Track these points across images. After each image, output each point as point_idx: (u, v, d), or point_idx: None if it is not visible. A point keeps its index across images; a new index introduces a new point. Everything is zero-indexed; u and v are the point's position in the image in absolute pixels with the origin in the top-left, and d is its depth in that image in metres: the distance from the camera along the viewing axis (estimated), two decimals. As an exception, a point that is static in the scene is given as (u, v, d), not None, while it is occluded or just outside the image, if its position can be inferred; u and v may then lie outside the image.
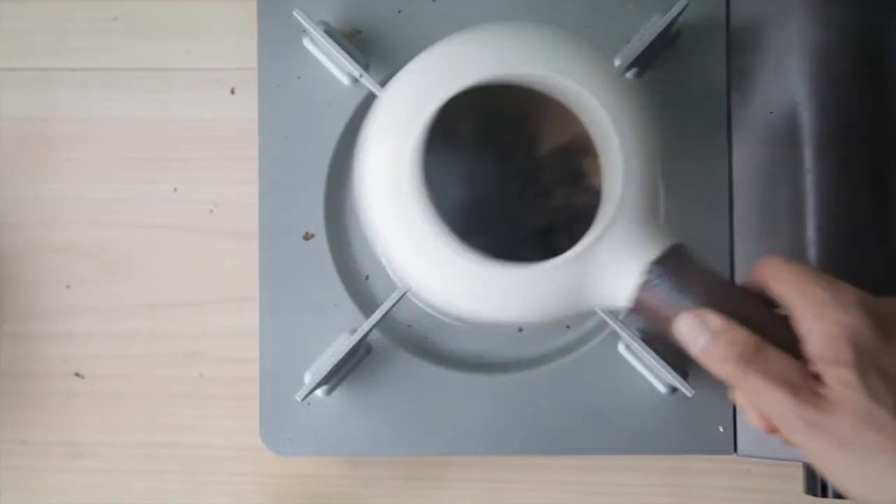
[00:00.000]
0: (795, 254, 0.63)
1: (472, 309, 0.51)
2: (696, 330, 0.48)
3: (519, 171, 0.53)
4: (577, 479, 0.67)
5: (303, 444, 0.64)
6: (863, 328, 0.46)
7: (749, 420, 0.49)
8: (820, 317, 0.47)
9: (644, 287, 0.49)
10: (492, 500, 0.67)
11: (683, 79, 0.65)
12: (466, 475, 0.67)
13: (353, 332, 0.62)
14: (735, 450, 0.63)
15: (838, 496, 0.60)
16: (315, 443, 0.64)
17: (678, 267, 0.49)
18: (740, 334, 0.47)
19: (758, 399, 0.47)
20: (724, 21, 0.64)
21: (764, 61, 0.64)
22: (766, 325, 0.48)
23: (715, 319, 0.48)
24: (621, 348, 0.64)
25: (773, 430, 0.48)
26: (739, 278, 0.63)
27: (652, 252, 0.49)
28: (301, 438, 0.64)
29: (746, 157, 0.64)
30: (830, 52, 0.63)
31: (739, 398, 0.50)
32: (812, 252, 0.62)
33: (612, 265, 0.49)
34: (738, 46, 0.64)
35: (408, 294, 0.63)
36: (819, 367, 0.46)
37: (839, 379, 0.46)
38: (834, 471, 0.46)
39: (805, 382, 0.46)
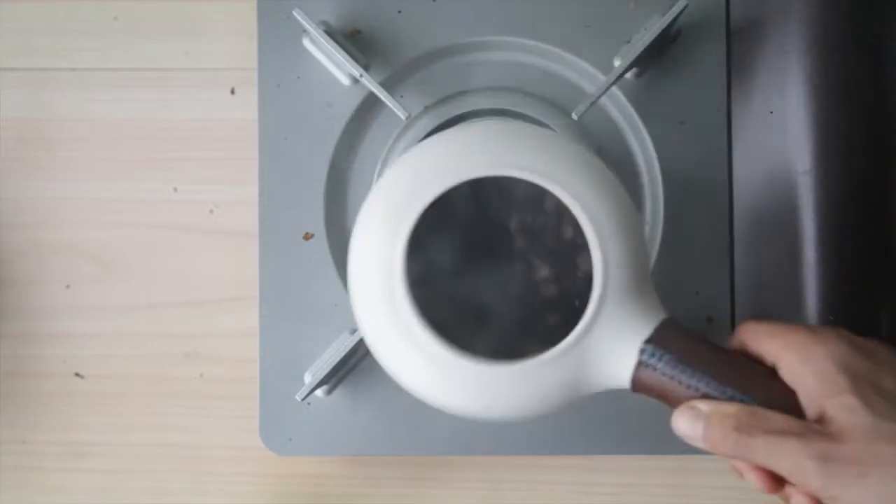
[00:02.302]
0: (795, 254, 0.63)
1: (468, 409, 0.51)
2: (690, 422, 0.49)
3: (508, 261, 0.53)
4: (577, 479, 0.67)
5: (303, 444, 0.64)
6: (850, 356, 0.47)
7: (760, 488, 0.50)
8: (807, 358, 0.48)
9: (640, 367, 0.49)
10: (492, 500, 0.67)
11: (683, 79, 0.65)
12: (466, 475, 0.67)
13: (353, 332, 0.62)
14: (735, 450, 0.63)
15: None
16: (315, 443, 0.64)
17: (670, 342, 0.50)
18: (730, 407, 0.48)
19: (769, 459, 0.47)
20: (724, 21, 0.64)
21: (764, 61, 0.64)
22: (761, 382, 0.49)
23: (702, 405, 0.48)
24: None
25: (785, 491, 0.49)
26: (738, 279, 0.63)
27: (643, 331, 0.50)
28: (301, 438, 0.64)
29: (746, 157, 0.64)
30: (830, 52, 0.63)
31: (740, 467, 0.50)
32: (811, 252, 0.62)
33: (606, 350, 0.49)
34: (738, 46, 0.64)
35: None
36: (818, 403, 0.47)
37: (841, 407, 0.46)
38: (862, 502, 0.46)
39: (808, 426, 0.47)
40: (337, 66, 0.64)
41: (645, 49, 0.61)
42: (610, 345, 0.49)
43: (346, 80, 0.65)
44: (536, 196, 0.51)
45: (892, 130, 0.62)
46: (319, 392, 0.63)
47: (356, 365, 0.64)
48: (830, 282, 0.63)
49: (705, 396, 0.49)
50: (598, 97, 0.62)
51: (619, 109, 0.65)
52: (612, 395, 0.63)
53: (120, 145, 0.68)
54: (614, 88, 0.64)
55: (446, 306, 0.51)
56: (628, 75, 0.64)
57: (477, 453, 0.65)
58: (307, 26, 0.62)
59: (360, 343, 0.62)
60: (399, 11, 0.65)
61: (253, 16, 0.65)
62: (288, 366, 0.64)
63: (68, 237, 0.68)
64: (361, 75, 0.62)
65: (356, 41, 0.64)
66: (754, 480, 0.50)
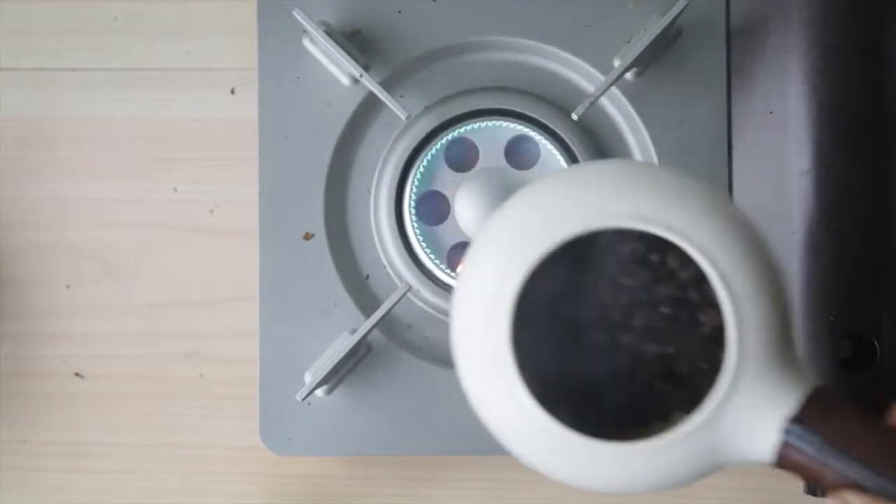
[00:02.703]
0: (795, 254, 0.63)
1: (598, 489, 0.47)
2: None
3: (625, 325, 0.47)
4: (577, 479, 0.67)
5: (303, 444, 0.64)
6: None
7: None
8: None
9: (785, 448, 0.44)
10: (492, 500, 0.67)
11: (683, 79, 0.65)
12: (466, 475, 0.67)
13: (353, 332, 0.63)
14: (735, 450, 0.63)
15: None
16: (315, 443, 0.64)
17: (818, 420, 0.44)
18: None
19: None
20: (724, 21, 0.64)
21: (764, 61, 0.64)
22: None
23: (854, 499, 0.43)
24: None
25: None
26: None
27: (787, 406, 0.44)
28: (301, 438, 0.64)
29: (746, 157, 0.64)
30: (830, 52, 0.63)
31: None
32: (811, 252, 0.62)
33: (744, 426, 0.44)
34: (738, 46, 0.64)
35: (408, 294, 0.64)
36: None
37: None
38: None
39: None
40: (337, 66, 0.64)
41: (645, 49, 0.61)
42: (748, 419, 0.44)
43: (346, 80, 0.65)
44: (655, 247, 0.46)
45: (892, 130, 0.62)
46: (319, 392, 0.63)
47: (356, 365, 0.64)
48: (831, 282, 0.63)
49: (856, 486, 0.43)
50: (598, 97, 0.62)
51: (619, 109, 0.65)
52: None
53: (120, 145, 0.68)
54: (614, 88, 0.64)
55: (561, 382, 0.47)
56: (628, 75, 0.64)
57: (477, 453, 0.65)
58: (307, 26, 0.62)
59: (360, 343, 0.62)
60: (399, 11, 0.65)
61: (253, 16, 0.65)
62: (288, 366, 0.64)
63: (68, 237, 0.68)
64: (361, 75, 0.62)
65: (356, 41, 0.64)
66: None
